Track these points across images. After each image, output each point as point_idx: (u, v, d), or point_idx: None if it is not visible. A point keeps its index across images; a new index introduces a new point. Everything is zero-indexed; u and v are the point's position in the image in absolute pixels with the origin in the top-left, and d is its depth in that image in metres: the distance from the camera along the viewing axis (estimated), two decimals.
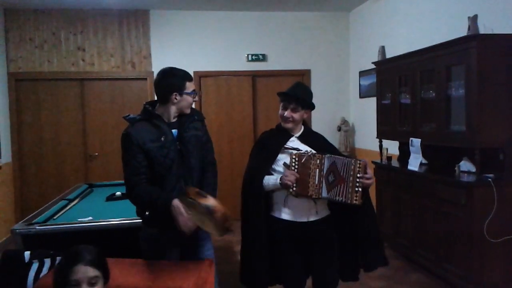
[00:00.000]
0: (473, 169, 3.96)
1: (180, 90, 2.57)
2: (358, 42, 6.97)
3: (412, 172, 4.56)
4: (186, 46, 6.84)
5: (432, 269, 4.35)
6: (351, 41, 7.22)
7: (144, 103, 2.67)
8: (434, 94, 4.38)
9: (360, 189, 2.55)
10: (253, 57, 7.02)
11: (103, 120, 6.81)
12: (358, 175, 2.54)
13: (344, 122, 7.05)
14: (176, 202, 2.38)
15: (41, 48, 6.54)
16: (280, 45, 7.08)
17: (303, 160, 2.62)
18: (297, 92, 2.81)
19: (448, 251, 4.04)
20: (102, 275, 1.98)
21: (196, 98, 2.70)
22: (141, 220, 2.76)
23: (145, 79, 6.80)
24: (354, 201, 2.56)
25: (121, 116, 6.67)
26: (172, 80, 2.57)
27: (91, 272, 1.92)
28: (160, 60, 6.71)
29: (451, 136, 4.13)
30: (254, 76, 7.09)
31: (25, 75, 6.52)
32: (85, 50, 6.65)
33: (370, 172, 2.60)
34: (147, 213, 2.61)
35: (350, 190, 2.56)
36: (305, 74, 7.13)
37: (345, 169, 2.57)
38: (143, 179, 2.50)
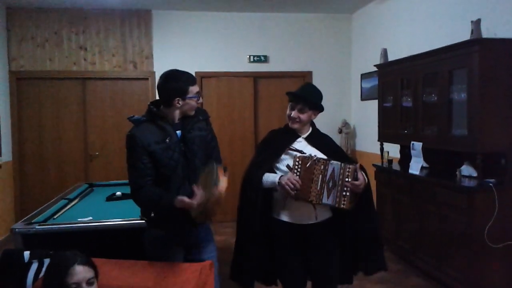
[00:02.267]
0: (475, 174, 3.94)
1: (183, 95, 2.54)
2: (360, 44, 6.97)
3: (413, 175, 4.55)
4: (188, 47, 6.84)
5: (432, 273, 4.34)
6: (353, 43, 7.22)
7: (149, 103, 2.65)
8: (436, 98, 4.37)
9: (347, 194, 2.51)
10: (255, 58, 7.01)
11: (104, 119, 6.81)
12: (346, 179, 2.51)
13: (345, 124, 7.05)
14: (179, 198, 2.39)
15: (43, 47, 6.54)
16: (282, 46, 7.08)
17: (308, 165, 2.59)
18: (306, 92, 2.79)
19: (448, 255, 4.03)
20: (95, 274, 1.98)
21: (201, 100, 2.68)
22: (143, 221, 2.77)
23: (147, 79, 6.79)
24: (342, 205, 2.52)
25: (122, 116, 6.77)
26: (174, 84, 2.54)
27: (88, 272, 1.93)
28: (162, 60, 6.71)
29: (453, 140, 4.12)
30: (256, 77, 7.09)
31: (27, 74, 6.51)
32: (87, 49, 6.65)
33: (361, 176, 2.55)
34: (152, 214, 2.61)
35: (338, 194, 2.53)
36: (307, 76, 7.13)
37: (338, 174, 2.55)
38: (148, 181, 2.50)
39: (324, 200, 2.58)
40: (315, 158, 2.62)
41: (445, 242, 4.06)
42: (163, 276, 2.37)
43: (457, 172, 4.07)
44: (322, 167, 2.58)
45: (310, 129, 2.87)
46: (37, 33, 6.51)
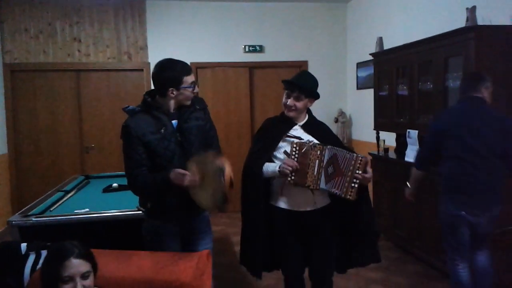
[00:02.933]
0: None
1: (177, 85, 2.52)
2: (355, 33, 6.95)
3: (409, 163, 4.55)
4: (182, 37, 6.80)
5: (429, 260, 4.37)
6: (348, 32, 7.20)
7: (144, 93, 2.64)
8: (431, 86, 4.37)
9: (356, 185, 2.53)
10: (250, 48, 6.98)
11: (99, 111, 6.78)
12: (357, 171, 2.52)
13: (341, 113, 7.05)
14: (174, 170, 2.40)
15: (37, 39, 6.49)
16: (277, 36, 7.05)
17: (304, 149, 2.61)
18: (301, 80, 2.78)
19: None
20: (92, 268, 1.97)
21: (197, 90, 2.66)
22: (139, 212, 2.77)
23: (142, 70, 6.76)
24: (349, 196, 2.54)
25: (117, 107, 6.72)
26: (168, 74, 2.51)
27: (83, 266, 1.91)
28: (157, 51, 6.68)
29: None
30: (251, 67, 7.06)
31: (21, 66, 6.47)
32: (81, 41, 6.60)
33: (370, 170, 2.58)
34: (149, 205, 2.62)
35: (346, 184, 2.54)
36: (302, 65, 7.11)
37: (345, 163, 2.55)
38: (144, 170, 2.50)
39: (322, 185, 2.61)
40: (311, 143, 2.62)
41: (441, 229, 4.07)
42: (160, 266, 2.37)
43: None
44: (318, 152, 2.60)
45: (307, 116, 2.88)
46: (31, 25, 6.46)
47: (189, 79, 2.57)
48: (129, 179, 2.54)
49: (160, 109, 2.55)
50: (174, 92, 2.53)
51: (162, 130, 2.51)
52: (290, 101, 2.75)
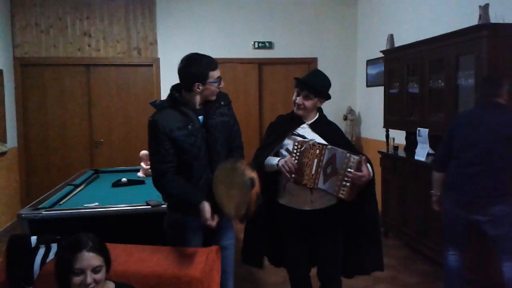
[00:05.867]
0: None
1: (203, 80, 2.51)
2: (366, 30, 6.91)
3: (419, 162, 4.54)
4: (192, 33, 6.79)
5: (438, 259, 4.34)
6: (359, 29, 7.16)
7: (171, 87, 2.63)
8: (442, 84, 4.33)
9: (347, 184, 2.47)
10: (260, 44, 6.97)
11: (109, 106, 6.81)
12: (348, 169, 2.47)
13: (351, 111, 7.02)
14: (205, 205, 2.39)
15: (47, 33, 6.52)
16: (287, 32, 7.02)
17: (303, 148, 2.59)
18: (312, 79, 2.75)
19: None
20: (105, 262, 1.97)
21: (222, 85, 2.65)
22: (148, 207, 2.78)
23: (151, 65, 6.77)
24: (340, 195, 2.50)
25: (127, 103, 6.78)
26: (194, 69, 2.50)
27: (95, 260, 1.92)
28: (166, 46, 6.68)
29: None
30: (260, 64, 7.05)
31: (31, 60, 6.50)
32: (91, 35, 6.62)
33: (365, 169, 2.47)
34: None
35: (338, 183, 2.50)
36: (312, 62, 7.08)
37: (340, 162, 2.52)
38: (171, 167, 2.49)
39: (320, 185, 2.58)
40: (311, 142, 2.60)
41: None
42: (170, 262, 2.38)
43: None
44: (317, 151, 2.56)
45: (317, 115, 2.85)
46: (41, 19, 6.48)
47: (215, 74, 2.57)
48: (154, 174, 2.54)
49: (187, 105, 2.55)
50: (200, 87, 2.52)
51: (190, 126, 2.51)
52: (299, 100, 2.74)
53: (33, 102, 6.60)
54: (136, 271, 2.31)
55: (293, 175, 2.58)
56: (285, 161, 2.58)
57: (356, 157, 2.47)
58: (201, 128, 2.55)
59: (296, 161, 2.58)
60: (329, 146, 2.59)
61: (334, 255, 2.83)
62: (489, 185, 3.09)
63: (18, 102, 6.48)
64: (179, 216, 2.62)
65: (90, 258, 1.91)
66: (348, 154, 2.50)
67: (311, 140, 2.65)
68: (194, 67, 2.51)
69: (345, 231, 2.84)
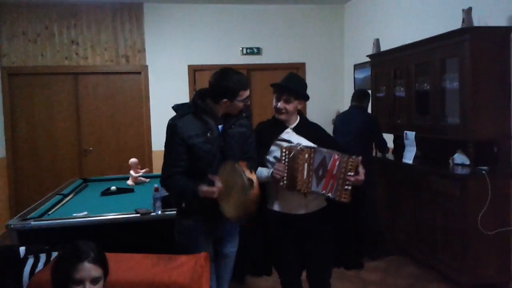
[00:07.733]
0: (467, 162, 3.97)
1: (232, 98, 2.55)
2: (352, 35, 6.96)
3: (407, 165, 4.57)
4: (180, 40, 6.80)
5: (427, 262, 4.38)
6: (345, 34, 7.21)
7: (195, 92, 2.68)
8: (428, 87, 4.38)
9: (349, 187, 2.52)
10: (248, 50, 7.00)
11: (98, 114, 6.78)
12: (349, 173, 2.51)
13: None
14: (202, 186, 2.46)
15: (34, 42, 6.49)
16: (275, 38, 7.06)
17: (291, 154, 2.61)
18: (290, 83, 2.78)
19: (443, 243, 4.06)
20: (103, 273, 1.97)
21: (248, 103, 2.68)
22: (138, 215, 2.79)
23: (139, 73, 6.76)
24: (343, 199, 2.54)
25: (115, 111, 6.74)
26: (227, 85, 2.53)
27: (95, 271, 1.91)
28: (154, 54, 6.68)
29: (446, 129, 4.14)
30: (249, 69, 7.06)
31: (18, 70, 6.47)
32: (79, 44, 6.61)
33: (362, 170, 2.55)
34: (183, 204, 2.66)
35: (340, 187, 2.53)
36: (300, 67, 7.12)
37: (335, 165, 2.54)
38: (179, 171, 2.56)
39: (314, 188, 2.60)
40: (298, 147, 2.62)
41: (439, 230, 4.09)
42: (158, 269, 2.38)
43: (450, 161, 4.10)
44: (306, 155, 2.58)
45: (298, 118, 2.87)
46: (28, 28, 6.46)
47: (245, 93, 2.60)
48: (163, 175, 2.60)
49: (209, 113, 2.59)
50: (228, 104, 2.56)
51: (209, 134, 2.56)
52: (280, 104, 2.76)
53: (21, 112, 6.56)
54: (125, 280, 2.30)
55: (285, 181, 2.59)
56: (275, 168, 2.60)
57: (353, 160, 2.52)
58: (219, 136, 2.60)
59: (286, 168, 2.60)
60: (317, 149, 2.61)
61: (324, 258, 2.86)
62: None
63: (5, 112, 6.44)
64: (190, 222, 2.66)
65: (90, 269, 1.90)
66: (345, 157, 2.53)
67: (298, 144, 2.67)
68: (227, 83, 2.54)
69: (335, 227, 2.88)
